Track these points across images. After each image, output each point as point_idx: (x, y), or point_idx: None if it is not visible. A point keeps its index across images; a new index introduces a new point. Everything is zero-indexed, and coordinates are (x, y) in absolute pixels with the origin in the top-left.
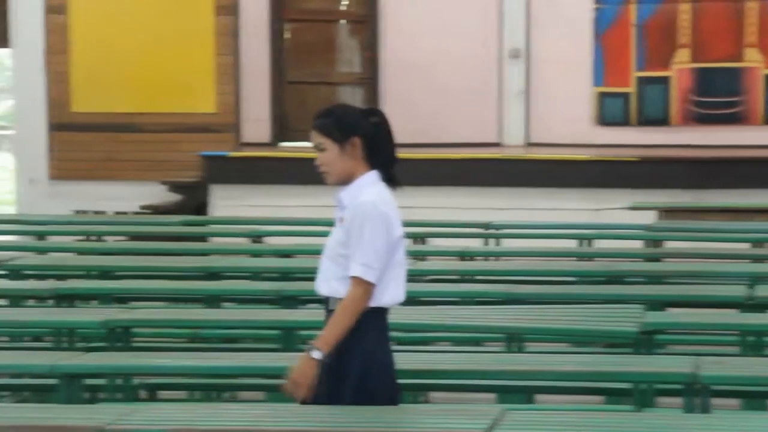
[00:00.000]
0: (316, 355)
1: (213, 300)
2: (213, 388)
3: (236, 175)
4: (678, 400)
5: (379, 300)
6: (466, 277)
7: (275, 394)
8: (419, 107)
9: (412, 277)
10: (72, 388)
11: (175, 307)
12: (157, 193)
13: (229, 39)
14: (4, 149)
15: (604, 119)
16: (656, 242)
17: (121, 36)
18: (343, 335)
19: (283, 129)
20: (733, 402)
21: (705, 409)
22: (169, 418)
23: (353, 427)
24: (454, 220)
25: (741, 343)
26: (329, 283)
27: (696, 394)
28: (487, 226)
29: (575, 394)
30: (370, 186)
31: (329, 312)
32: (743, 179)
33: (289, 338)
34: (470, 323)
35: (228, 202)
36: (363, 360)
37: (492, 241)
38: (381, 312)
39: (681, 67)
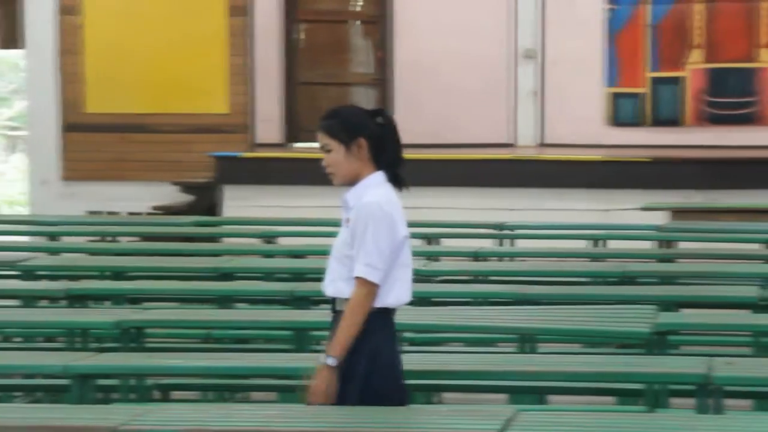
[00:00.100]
0: (330, 361)
1: (225, 300)
2: (225, 389)
3: (248, 176)
4: (691, 401)
5: (384, 300)
6: (478, 277)
7: (288, 394)
8: (431, 108)
9: (425, 277)
10: (85, 388)
11: (187, 307)
12: (169, 194)
13: (241, 40)
14: (17, 150)
15: (617, 120)
16: (668, 243)
17: (133, 37)
18: (353, 337)
19: (295, 129)
20: (746, 403)
21: (718, 410)
22: (182, 419)
23: (365, 428)
24: (467, 221)
25: (754, 344)
26: (335, 283)
27: (709, 394)
28: (499, 226)
29: (587, 394)
30: (375, 187)
31: (335, 313)
32: (756, 180)
33: (302, 339)
34: (482, 324)
35: (240, 202)
36: (369, 360)
37: (505, 241)
38: (387, 312)
39: (694, 68)
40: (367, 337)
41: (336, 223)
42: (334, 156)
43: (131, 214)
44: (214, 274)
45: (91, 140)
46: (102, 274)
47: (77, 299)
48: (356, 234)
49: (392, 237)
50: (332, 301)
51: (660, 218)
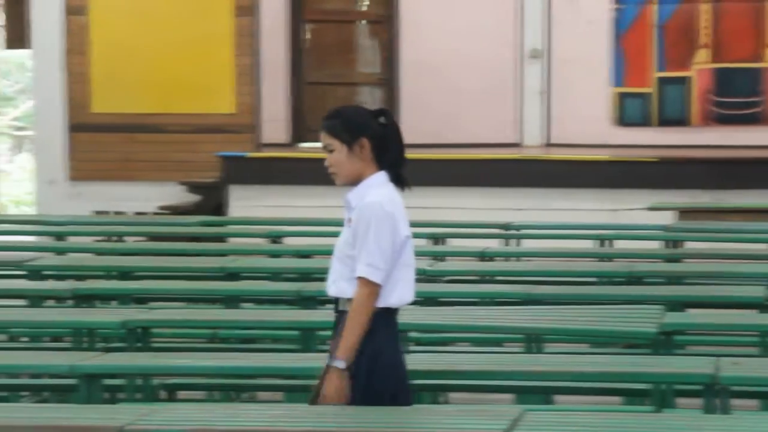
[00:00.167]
0: (340, 365)
1: (232, 300)
2: (232, 389)
3: (255, 176)
4: (697, 401)
5: (386, 300)
6: (485, 277)
7: (294, 394)
8: (438, 107)
9: (431, 277)
10: (91, 388)
11: (194, 307)
12: (175, 194)
13: (248, 40)
14: (23, 150)
15: (624, 120)
16: (675, 243)
17: (140, 37)
18: (360, 338)
19: (301, 129)
20: (753, 403)
21: (724, 410)
22: (188, 419)
23: (371, 428)
24: (473, 221)
25: (760, 344)
26: (337, 284)
27: (715, 395)
28: (506, 226)
29: (594, 394)
30: (377, 187)
31: (338, 313)
32: (763, 180)
33: (308, 339)
34: (489, 324)
35: (246, 202)
36: (370, 360)
37: (511, 241)
38: (389, 312)
39: (701, 68)
40: (368, 337)
41: (343, 224)
42: (337, 156)
43: (138, 214)
44: (220, 274)
45: (97, 140)
46: (108, 273)
47: (84, 299)
48: (358, 234)
49: (394, 237)
50: (335, 301)
51: (667, 218)
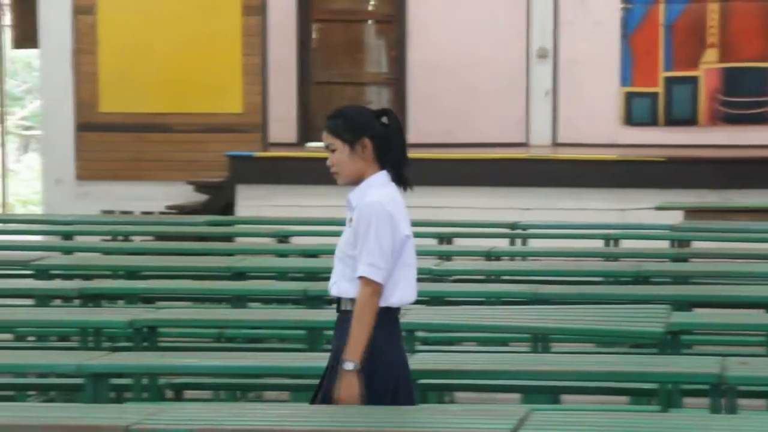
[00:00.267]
0: (350, 366)
1: (238, 300)
2: (238, 388)
3: (262, 175)
4: (704, 401)
5: (387, 300)
6: (491, 277)
7: (300, 393)
8: (446, 107)
9: (438, 277)
10: (98, 387)
11: (200, 306)
12: (183, 193)
13: (256, 39)
14: (31, 149)
15: (632, 119)
16: (682, 242)
17: (148, 36)
18: (367, 337)
19: (309, 129)
20: (760, 403)
21: (731, 410)
22: (195, 418)
23: (378, 427)
24: (481, 220)
25: (767, 344)
26: (339, 284)
27: (722, 394)
28: (513, 226)
29: (601, 394)
30: (378, 186)
31: (340, 313)
32: None
33: (315, 338)
34: (496, 323)
35: (254, 202)
36: (370, 360)
37: (518, 241)
38: (390, 312)
39: (709, 67)
40: (369, 337)
41: None
42: (339, 155)
43: (145, 213)
44: (227, 274)
45: (105, 140)
46: (115, 273)
47: (91, 298)
48: (359, 234)
49: (394, 236)
50: (337, 301)
51: (674, 218)
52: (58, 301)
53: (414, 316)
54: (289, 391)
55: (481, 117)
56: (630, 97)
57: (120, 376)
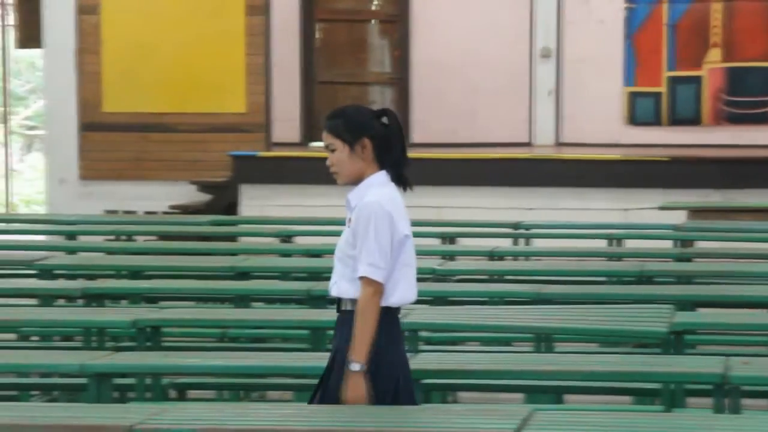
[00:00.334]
0: (357, 367)
1: (242, 300)
2: (242, 388)
3: (265, 175)
4: (707, 401)
5: (387, 300)
6: (495, 276)
7: (304, 393)
8: (450, 107)
9: (441, 276)
10: (101, 387)
11: (204, 306)
12: (186, 193)
13: (259, 39)
14: (34, 149)
15: (635, 119)
16: (686, 242)
17: (152, 36)
18: (371, 337)
19: (313, 129)
20: (763, 402)
21: (735, 410)
22: (198, 418)
23: (382, 427)
24: (484, 220)
25: None
26: (339, 284)
27: (725, 394)
28: (516, 225)
29: (604, 394)
30: (377, 186)
31: (340, 313)
32: None
33: (318, 338)
34: (499, 323)
35: (257, 201)
36: (371, 359)
37: (521, 240)
38: (390, 312)
39: (712, 67)
40: None
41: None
42: (338, 155)
43: (148, 213)
44: (230, 273)
45: (108, 139)
46: (119, 273)
47: (94, 298)
48: (358, 234)
49: (392, 236)
50: (337, 301)
51: (677, 217)
52: (61, 301)
53: (417, 315)
54: (293, 390)
55: (485, 117)
56: (633, 97)
57: (123, 375)
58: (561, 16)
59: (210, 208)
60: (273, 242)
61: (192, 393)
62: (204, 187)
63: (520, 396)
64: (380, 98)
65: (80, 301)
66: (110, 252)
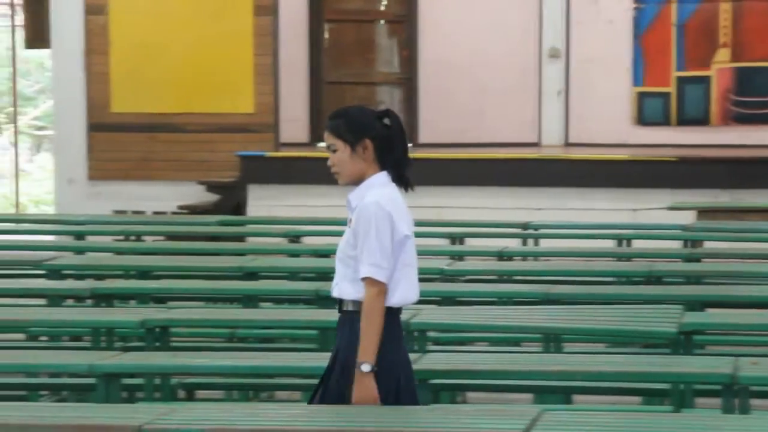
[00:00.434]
0: (366, 368)
1: (250, 300)
2: (250, 388)
3: (273, 175)
4: (716, 401)
5: (388, 300)
6: (503, 277)
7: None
8: (458, 107)
9: (450, 277)
10: (110, 387)
11: (212, 306)
12: (194, 193)
13: (267, 39)
14: (43, 149)
15: (644, 119)
16: (695, 242)
17: (160, 36)
18: (378, 337)
19: (320, 129)
20: None
21: (744, 410)
22: (207, 418)
23: (389, 428)
24: (492, 220)
25: None
26: (340, 285)
27: (735, 394)
28: (525, 226)
29: (613, 394)
30: (378, 187)
31: (342, 313)
32: None
33: (326, 338)
34: (508, 323)
35: (265, 202)
36: None
37: (530, 241)
38: (390, 312)
39: (721, 67)
40: None
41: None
42: (340, 156)
43: (156, 213)
44: (239, 274)
45: (117, 140)
46: (127, 273)
47: (103, 298)
48: (359, 234)
49: (393, 236)
50: (339, 302)
51: (686, 218)
52: (70, 301)
53: (426, 316)
54: (301, 390)
55: (493, 117)
56: (642, 97)
57: (132, 376)
58: (569, 16)
59: (218, 208)
60: (281, 242)
61: (201, 393)
62: (212, 187)
63: (528, 396)
64: (388, 98)
65: (89, 302)
66: (119, 252)
